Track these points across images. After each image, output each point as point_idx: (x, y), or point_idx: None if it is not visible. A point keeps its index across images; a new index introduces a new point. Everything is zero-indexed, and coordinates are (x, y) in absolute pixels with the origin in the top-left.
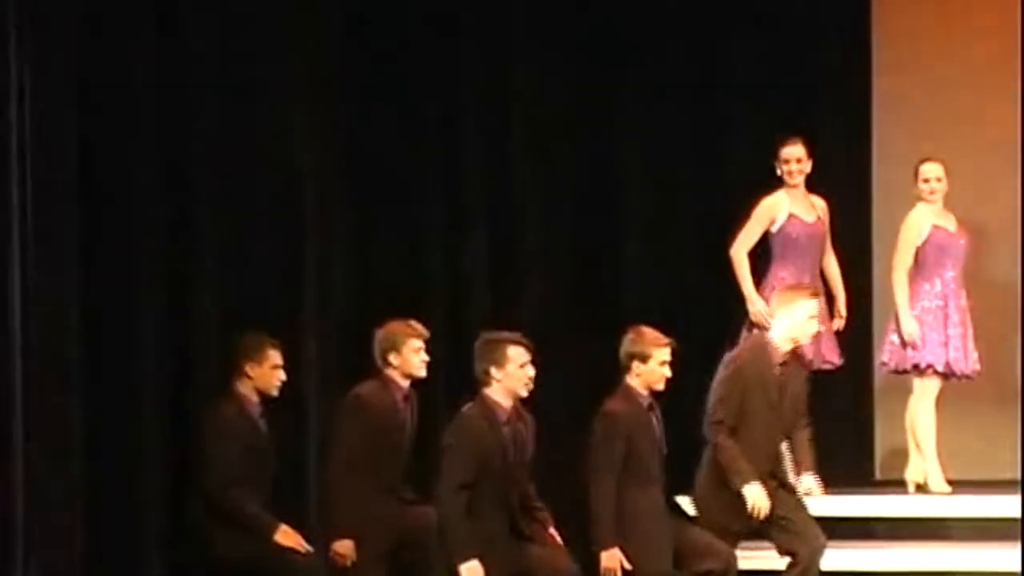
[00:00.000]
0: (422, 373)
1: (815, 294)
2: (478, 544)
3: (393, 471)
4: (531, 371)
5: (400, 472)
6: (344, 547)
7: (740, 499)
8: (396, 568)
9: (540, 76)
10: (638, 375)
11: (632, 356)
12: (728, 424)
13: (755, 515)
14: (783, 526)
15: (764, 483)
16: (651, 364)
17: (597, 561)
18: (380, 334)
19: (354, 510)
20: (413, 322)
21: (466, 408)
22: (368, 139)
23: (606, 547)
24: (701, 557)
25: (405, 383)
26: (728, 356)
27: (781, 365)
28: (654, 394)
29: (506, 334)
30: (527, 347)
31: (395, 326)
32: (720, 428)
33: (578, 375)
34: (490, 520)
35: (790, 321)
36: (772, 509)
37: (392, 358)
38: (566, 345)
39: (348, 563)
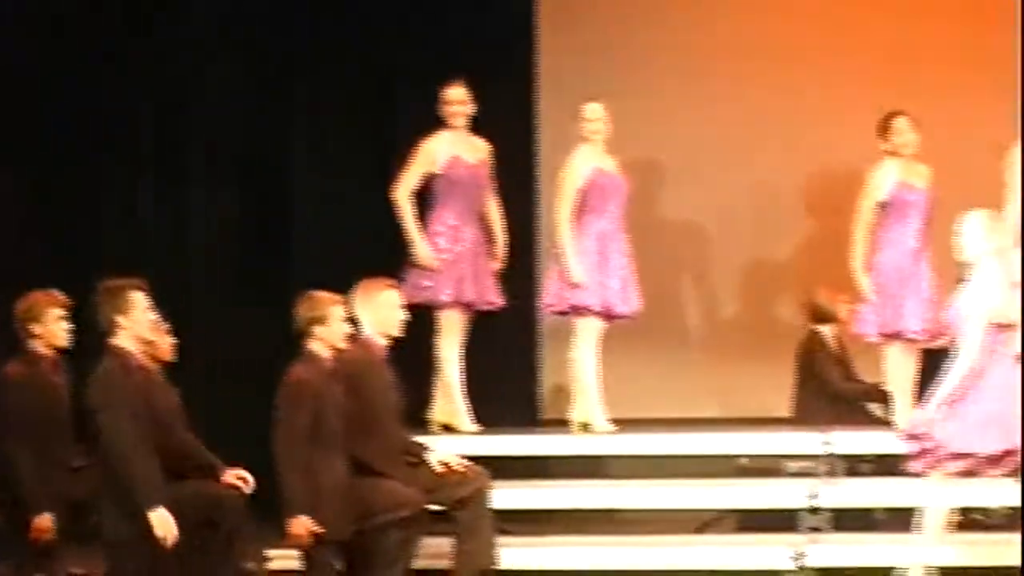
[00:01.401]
0: (64, 342)
1: (396, 285)
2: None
3: (56, 442)
4: (153, 315)
5: (64, 442)
6: (43, 522)
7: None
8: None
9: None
10: (320, 339)
11: (311, 321)
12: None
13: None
14: (441, 487)
15: (402, 468)
16: (331, 324)
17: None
18: (21, 305)
19: (38, 485)
20: (54, 291)
21: (101, 365)
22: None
23: (294, 515)
24: (392, 507)
25: (50, 352)
26: (340, 365)
27: (386, 359)
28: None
29: (127, 280)
30: (146, 290)
31: (36, 296)
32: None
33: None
34: None
35: (377, 316)
36: (427, 480)
37: (35, 329)
38: (239, 303)
39: (49, 536)
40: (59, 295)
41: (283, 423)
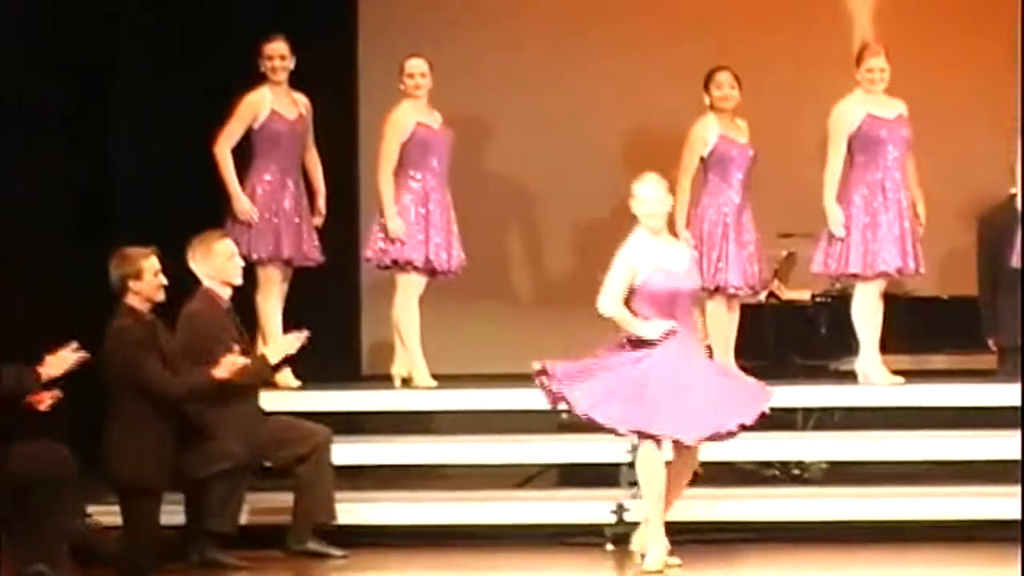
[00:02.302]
0: None
1: (226, 235)
2: None
3: None
4: None
5: None
6: None
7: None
8: None
9: None
10: (136, 293)
11: (124, 277)
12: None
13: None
14: (281, 445)
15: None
16: (145, 278)
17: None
18: None
19: None
20: None
21: None
22: None
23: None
24: (214, 460)
25: None
26: (186, 313)
27: (228, 310)
28: (155, 308)
29: None
30: None
31: None
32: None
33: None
34: None
35: (214, 268)
36: (267, 438)
37: None
38: (59, 264)
39: None
40: None
41: (109, 372)
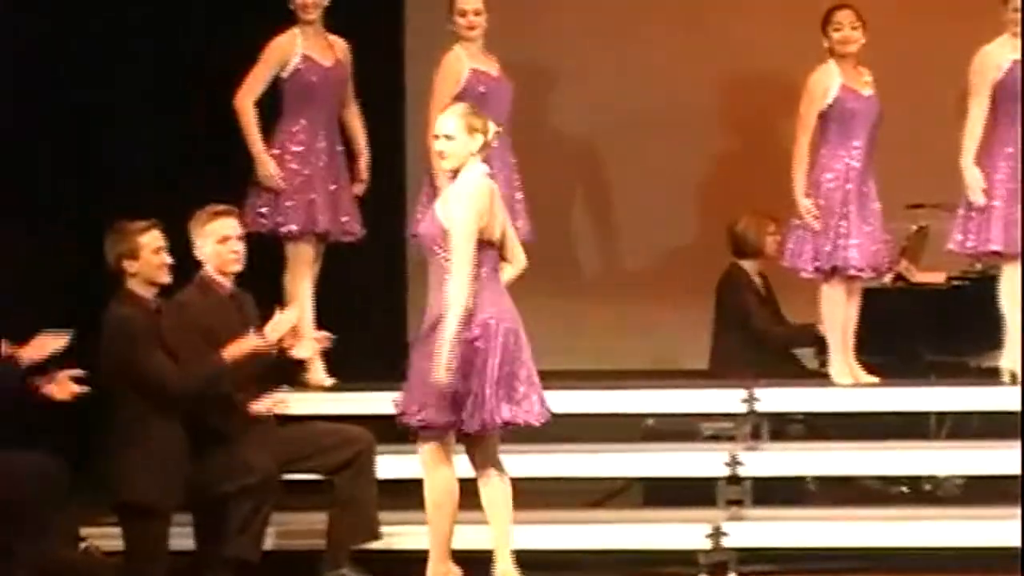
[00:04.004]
0: None
1: (226, 212)
2: None
3: None
4: None
5: None
6: None
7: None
8: None
9: None
10: (134, 274)
11: (120, 256)
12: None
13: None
14: (321, 450)
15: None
16: (144, 256)
17: None
18: None
19: None
20: None
21: None
22: None
23: None
24: (237, 474)
25: None
26: (176, 302)
27: (231, 298)
28: (161, 291)
29: None
30: None
31: None
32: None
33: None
34: None
35: (206, 251)
36: (300, 444)
37: None
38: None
39: None
40: None
41: (105, 364)
